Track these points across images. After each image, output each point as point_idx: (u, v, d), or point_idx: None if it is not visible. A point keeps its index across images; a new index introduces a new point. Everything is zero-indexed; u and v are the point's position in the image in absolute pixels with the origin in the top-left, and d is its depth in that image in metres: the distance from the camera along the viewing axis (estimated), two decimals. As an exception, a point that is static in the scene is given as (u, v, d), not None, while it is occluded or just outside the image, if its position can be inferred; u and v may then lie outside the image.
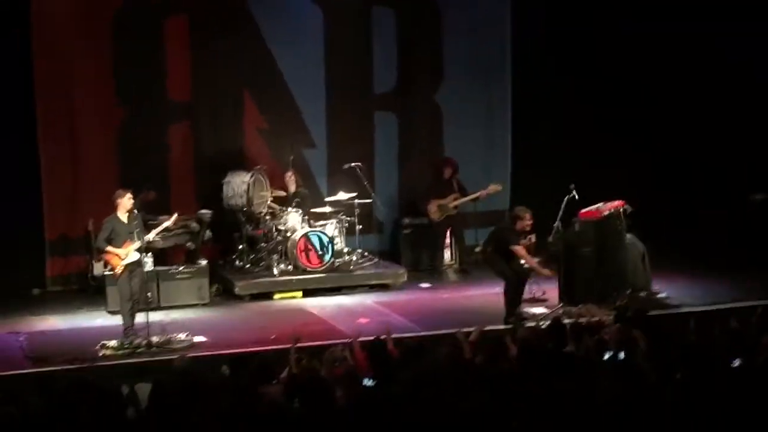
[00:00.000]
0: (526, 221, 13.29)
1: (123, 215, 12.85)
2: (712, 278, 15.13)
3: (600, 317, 11.47)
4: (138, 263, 12.88)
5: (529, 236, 13.49)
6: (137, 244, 12.78)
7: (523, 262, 13.38)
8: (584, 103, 17.53)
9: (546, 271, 13.53)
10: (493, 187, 16.37)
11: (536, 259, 13.61)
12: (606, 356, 8.81)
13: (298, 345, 10.04)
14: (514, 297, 13.38)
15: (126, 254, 12.75)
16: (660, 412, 7.50)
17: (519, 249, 13.29)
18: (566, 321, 10.90)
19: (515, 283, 13.42)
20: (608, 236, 13.97)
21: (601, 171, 16.68)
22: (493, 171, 17.77)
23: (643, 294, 14.15)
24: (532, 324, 12.15)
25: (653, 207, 16.12)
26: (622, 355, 8.71)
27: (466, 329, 10.32)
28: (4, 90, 15.58)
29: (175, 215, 13.85)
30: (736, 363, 8.29)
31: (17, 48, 15.67)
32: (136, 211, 13.00)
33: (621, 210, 14.05)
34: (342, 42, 17.35)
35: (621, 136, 17.60)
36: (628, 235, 14.24)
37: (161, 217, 14.86)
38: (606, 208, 14.00)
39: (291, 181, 16.22)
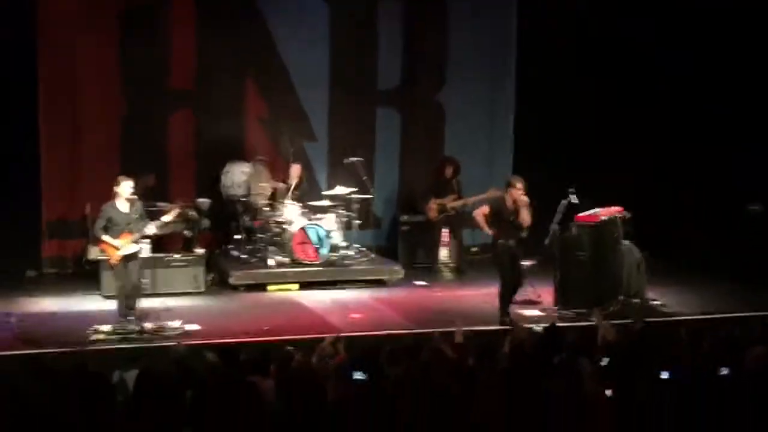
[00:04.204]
0: (517, 190, 13.21)
1: (122, 203, 12.69)
2: (708, 288, 15.16)
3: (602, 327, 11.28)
4: (135, 254, 12.84)
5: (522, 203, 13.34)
6: (135, 236, 12.70)
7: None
8: (589, 105, 17.45)
9: (490, 231, 13.46)
10: (492, 192, 16.21)
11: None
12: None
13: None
14: (506, 298, 13.39)
15: (122, 246, 12.65)
16: (646, 415, 7.55)
17: (481, 208, 13.56)
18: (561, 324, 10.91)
19: (510, 285, 13.42)
20: (604, 241, 13.97)
21: (602, 175, 16.66)
22: (495, 172, 17.73)
23: (636, 301, 14.16)
24: (527, 327, 12.13)
25: (653, 215, 16.08)
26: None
27: (443, 329, 10.35)
28: (5, 69, 15.56)
29: (176, 210, 13.57)
30: (725, 371, 8.33)
31: (21, 27, 15.64)
32: (136, 198, 12.88)
33: (619, 216, 14.06)
34: (347, 36, 17.40)
35: (624, 141, 17.55)
36: (626, 242, 14.24)
37: (160, 204, 14.87)
38: (603, 213, 14.02)
39: (296, 174, 16.18)
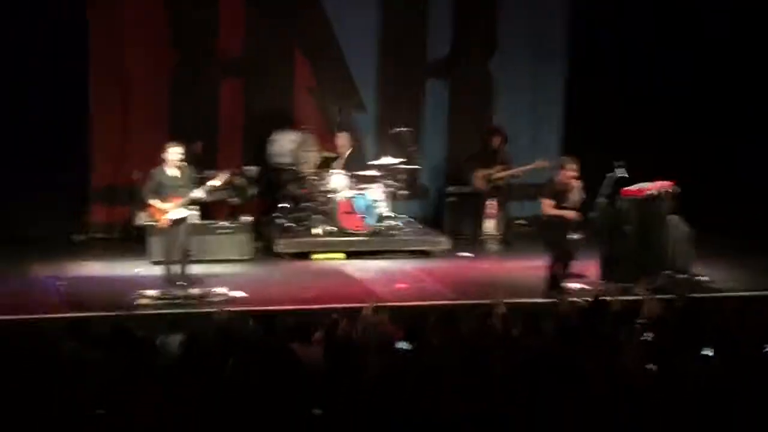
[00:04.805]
0: (569, 172, 13.15)
1: (171, 168, 12.82)
2: (757, 264, 14.98)
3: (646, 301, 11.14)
4: (183, 219, 12.89)
5: (573, 185, 13.23)
6: (183, 200, 12.77)
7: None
8: (641, 79, 17.32)
9: (570, 214, 13.19)
10: (540, 163, 16.11)
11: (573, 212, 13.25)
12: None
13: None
14: (557, 271, 13.31)
15: (170, 209, 12.73)
16: (687, 391, 7.50)
17: (544, 201, 13.24)
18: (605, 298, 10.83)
19: (561, 258, 13.34)
20: (651, 216, 13.84)
21: (653, 149, 16.50)
22: (542, 144, 17.68)
23: (683, 276, 14.04)
24: (573, 300, 12.06)
25: (704, 190, 15.88)
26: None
27: (488, 301, 10.30)
28: (56, 35, 15.69)
29: (226, 175, 13.66)
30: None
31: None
32: (185, 164, 12.95)
33: (666, 191, 13.91)
34: (397, 5, 17.34)
35: (676, 116, 17.39)
36: (674, 217, 14.11)
37: (207, 172, 14.93)
38: (650, 187, 13.88)
39: (345, 142, 16.17)
